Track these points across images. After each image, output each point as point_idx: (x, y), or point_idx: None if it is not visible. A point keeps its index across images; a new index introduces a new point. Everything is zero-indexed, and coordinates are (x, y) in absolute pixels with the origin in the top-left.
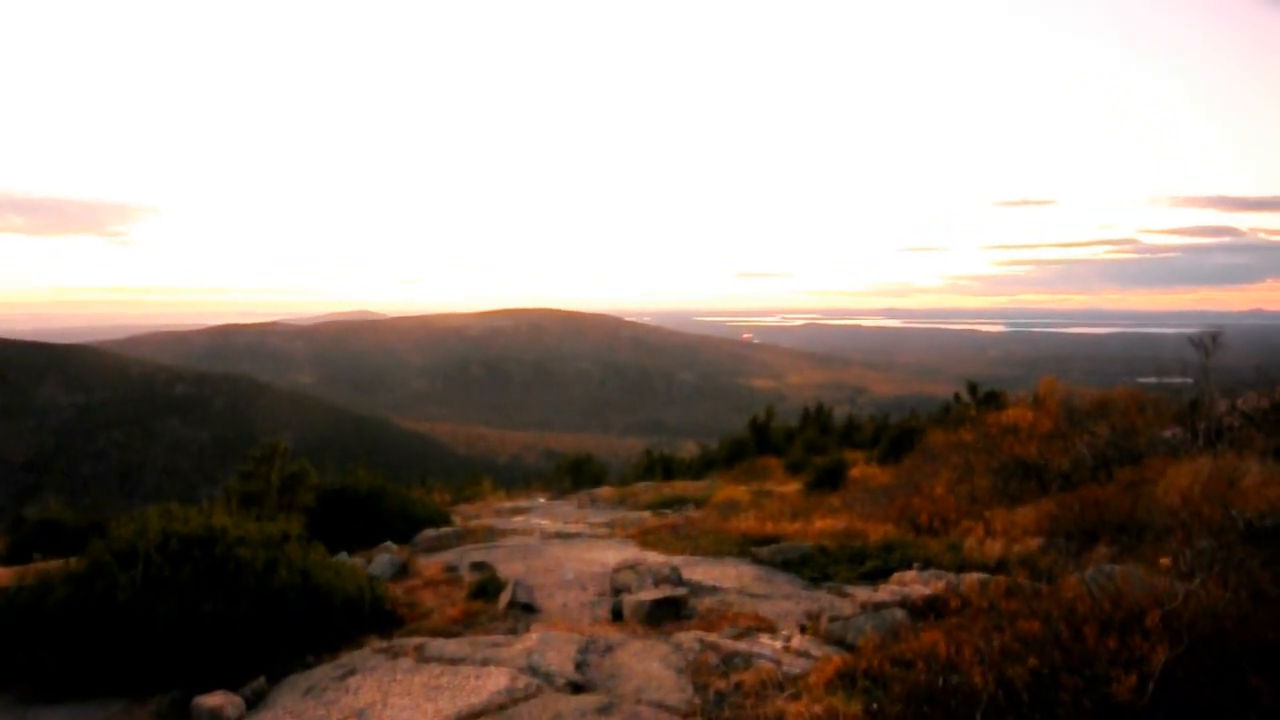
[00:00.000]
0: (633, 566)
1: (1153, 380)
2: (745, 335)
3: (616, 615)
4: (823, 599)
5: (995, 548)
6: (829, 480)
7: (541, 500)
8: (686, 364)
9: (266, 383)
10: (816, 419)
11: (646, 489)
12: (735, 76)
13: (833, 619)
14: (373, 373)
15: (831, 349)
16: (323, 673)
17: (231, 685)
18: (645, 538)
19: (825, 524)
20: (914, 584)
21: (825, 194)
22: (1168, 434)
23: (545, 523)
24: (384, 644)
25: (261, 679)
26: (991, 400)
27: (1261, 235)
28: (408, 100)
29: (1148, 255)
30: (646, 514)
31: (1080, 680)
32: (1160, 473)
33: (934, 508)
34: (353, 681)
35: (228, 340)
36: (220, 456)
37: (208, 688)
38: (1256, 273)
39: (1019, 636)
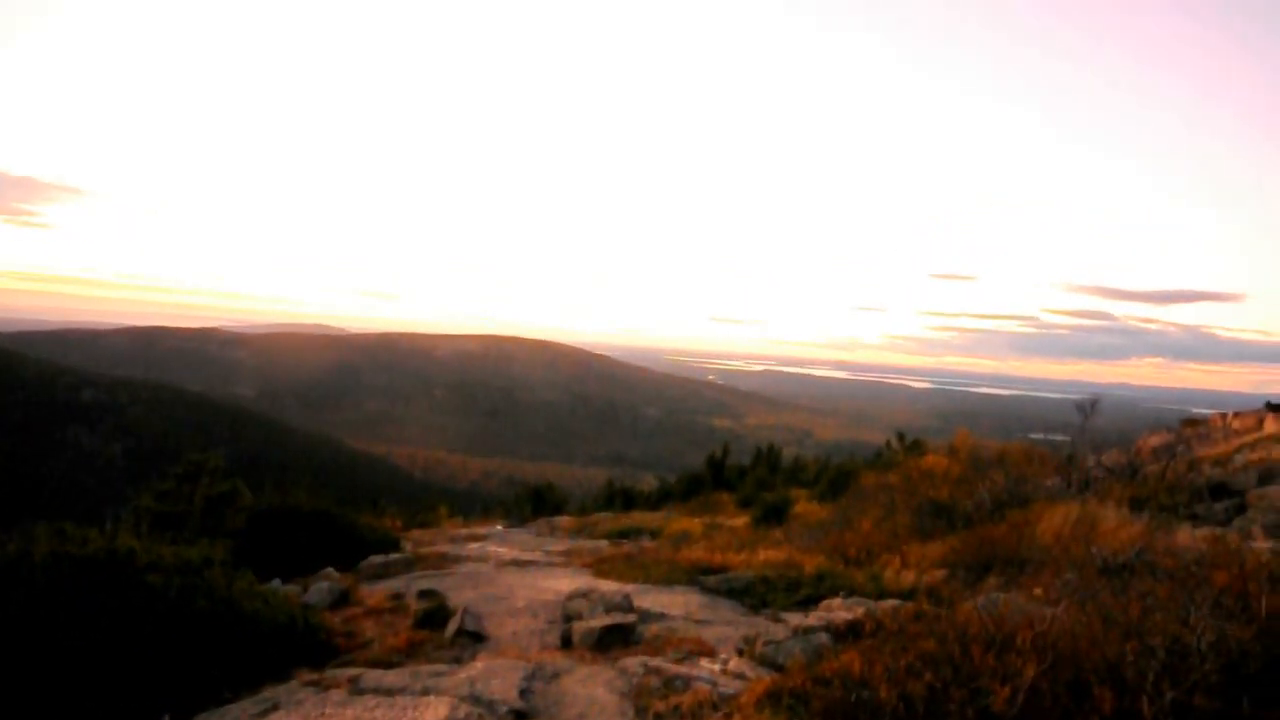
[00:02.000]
0: (585, 594)
1: (1041, 437)
2: (709, 376)
3: (566, 642)
4: (760, 624)
5: (909, 578)
6: (774, 515)
7: (500, 528)
8: (652, 400)
9: (198, 393)
10: (767, 458)
11: (605, 519)
12: (722, 140)
13: (767, 643)
14: (325, 390)
15: (785, 394)
16: (240, 710)
17: None
18: (600, 566)
19: (768, 555)
20: (839, 610)
21: (793, 253)
22: (1049, 482)
23: (502, 550)
24: (314, 676)
25: (166, 718)
26: (916, 448)
27: (1131, 322)
28: (394, 111)
29: (1045, 331)
30: (603, 543)
31: (966, 693)
32: (1040, 515)
33: (861, 542)
34: (275, 718)
35: (154, 343)
36: (134, 473)
37: None
38: (1125, 352)
39: (920, 655)
